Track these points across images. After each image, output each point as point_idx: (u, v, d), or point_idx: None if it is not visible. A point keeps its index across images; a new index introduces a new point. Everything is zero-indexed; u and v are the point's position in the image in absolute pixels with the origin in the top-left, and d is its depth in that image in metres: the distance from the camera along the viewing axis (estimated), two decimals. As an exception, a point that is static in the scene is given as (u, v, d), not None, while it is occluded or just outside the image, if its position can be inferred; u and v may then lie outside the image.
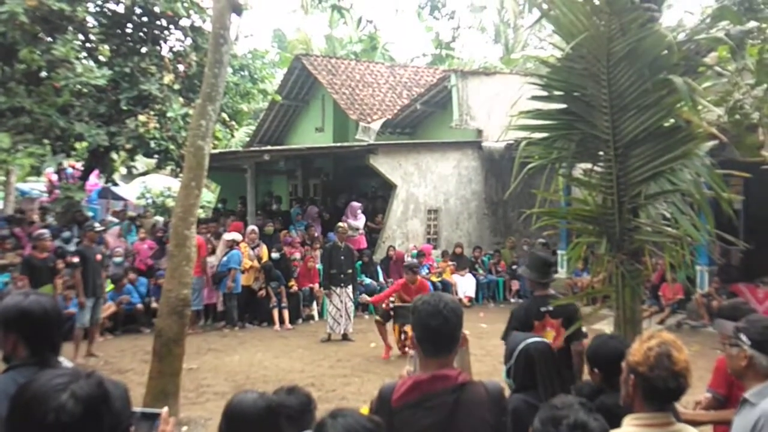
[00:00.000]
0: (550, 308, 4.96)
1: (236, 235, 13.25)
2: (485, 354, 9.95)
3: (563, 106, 4.49)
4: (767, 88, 5.23)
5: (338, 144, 19.16)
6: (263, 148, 19.61)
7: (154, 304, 11.91)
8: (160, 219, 17.92)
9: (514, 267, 16.32)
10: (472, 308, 14.85)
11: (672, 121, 4.15)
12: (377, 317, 10.60)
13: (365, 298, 12.07)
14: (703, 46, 6.40)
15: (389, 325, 10.45)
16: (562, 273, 15.71)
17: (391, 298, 10.49)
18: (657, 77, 4.01)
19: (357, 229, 15.17)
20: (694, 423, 3.12)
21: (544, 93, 4.56)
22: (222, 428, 2.76)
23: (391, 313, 10.30)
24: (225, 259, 12.77)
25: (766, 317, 3.04)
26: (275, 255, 13.43)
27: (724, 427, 3.79)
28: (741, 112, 5.73)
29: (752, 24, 4.97)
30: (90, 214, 16.73)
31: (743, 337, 2.84)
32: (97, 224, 11.94)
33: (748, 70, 5.20)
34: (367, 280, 14.45)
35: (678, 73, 3.94)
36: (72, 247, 11.87)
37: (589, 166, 4.58)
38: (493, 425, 2.58)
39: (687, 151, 4.06)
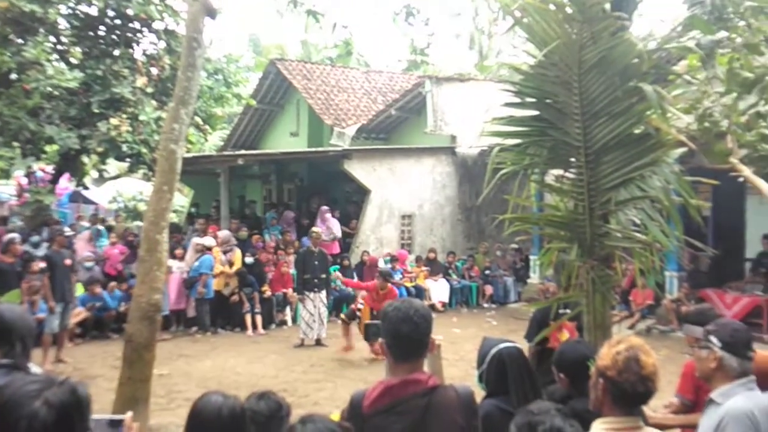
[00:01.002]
0: (568, 311, 5.06)
1: (208, 240, 13.15)
2: (458, 359, 9.98)
3: (535, 112, 4.52)
4: (736, 97, 5.32)
5: (313, 149, 19.14)
6: (237, 152, 19.51)
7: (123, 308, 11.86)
8: (138, 224, 17.70)
9: (487, 272, 16.40)
10: (446, 313, 14.90)
11: (642, 128, 4.19)
12: (342, 316, 10.68)
13: (339, 275, 12.10)
14: (674, 55, 6.49)
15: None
16: (534, 278, 15.84)
17: (360, 304, 10.54)
18: (627, 85, 4.06)
19: (335, 238, 15.19)
20: (662, 427, 3.16)
21: (517, 100, 4.59)
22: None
23: (357, 313, 10.41)
24: (197, 263, 12.67)
25: (734, 320, 3.13)
26: (249, 260, 13.35)
27: (691, 430, 3.84)
28: (710, 119, 5.83)
29: (722, 34, 5.06)
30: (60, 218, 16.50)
31: (714, 339, 2.88)
32: (66, 228, 11.76)
33: (717, 78, 5.29)
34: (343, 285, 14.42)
35: (648, 81, 3.99)
36: (41, 252, 11.70)
37: (560, 172, 4.61)
38: (465, 427, 2.60)
39: (656, 158, 4.11)
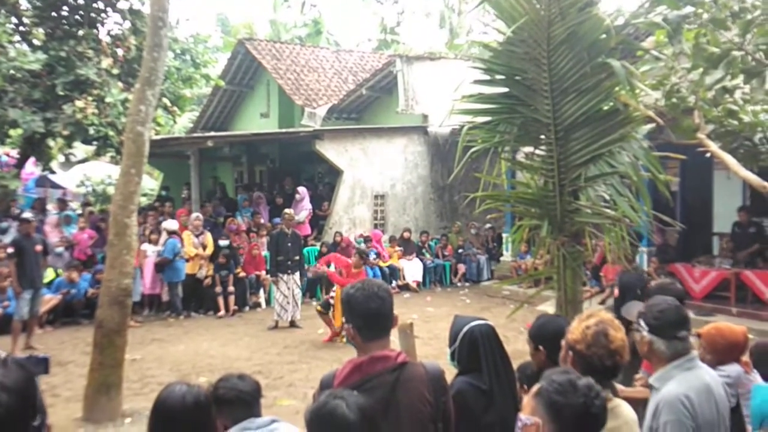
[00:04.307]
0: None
1: (171, 223, 13.04)
2: (432, 337, 10.04)
3: (505, 89, 4.52)
4: (703, 72, 5.36)
5: (284, 130, 18.99)
6: (207, 134, 19.29)
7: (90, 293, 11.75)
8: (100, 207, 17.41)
9: (460, 251, 16.47)
10: (420, 293, 14.96)
11: (611, 104, 4.21)
12: (318, 307, 10.64)
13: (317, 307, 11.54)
14: (642, 31, 6.51)
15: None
16: (507, 256, 15.95)
17: (332, 292, 10.52)
18: (595, 61, 4.07)
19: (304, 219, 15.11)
20: (633, 400, 3.19)
21: (487, 77, 4.58)
22: (150, 424, 2.69)
23: (331, 302, 10.39)
24: (161, 247, 12.59)
25: (664, 299, 2.97)
26: (224, 243, 13.26)
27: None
28: (677, 95, 5.87)
29: (689, 9, 5.08)
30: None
31: (642, 323, 2.83)
32: (27, 214, 11.50)
33: (684, 54, 5.32)
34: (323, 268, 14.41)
35: (616, 57, 4.00)
36: (8, 238, 11.50)
37: (531, 149, 4.63)
38: (433, 404, 2.63)
39: (625, 134, 4.14)
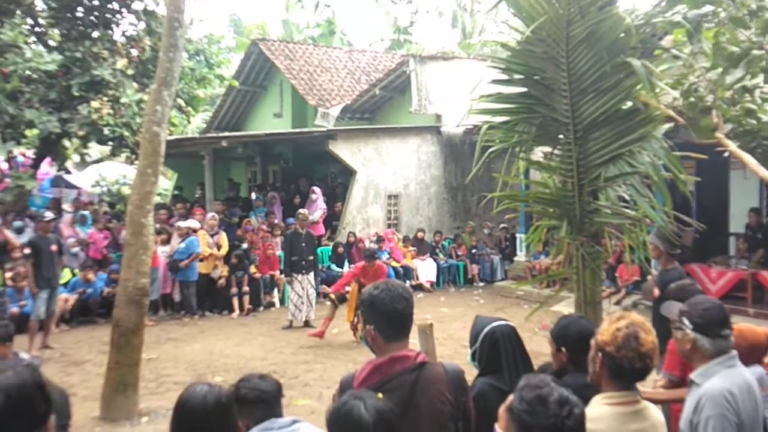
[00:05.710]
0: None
1: (193, 222, 13.08)
2: (447, 337, 10.02)
3: (523, 89, 4.50)
4: (722, 71, 5.31)
5: (297, 130, 19.00)
6: (221, 134, 19.33)
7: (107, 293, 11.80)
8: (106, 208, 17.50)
9: (473, 251, 16.44)
10: (433, 293, 14.94)
11: (630, 104, 4.18)
12: (332, 296, 10.64)
13: (325, 289, 12.01)
14: (660, 29, 6.47)
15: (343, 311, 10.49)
16: (521, 256, 15.89)
17: (347, 287, 10.50)
18: (615, 60, 4.04)
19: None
20: (653, 401, 3.16)
21: (505, 76, 4.56)
22: (172, 424, 2.70)
23: (346, 296, 10.42)
24: (183, 245, 12.61)
25: (707, 299, 3.03)
26: (245, 245, 13.29)
27: (681, 405, 3.87)
28: (696, 95, 5.82)
29: (708, 8, 5.04)
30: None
31: (685, 321, 2.85)
32: (48, 213, 11.59)
33: (703, 53, 5.27)
34: (336, 269, 14.42)
35: (636, 56, 3.97)
36: (24, 238, 11.57)
37: (549, 149, 4.60)
38: (453, 403, 2.62)
39: (645, 134, 4.10)
